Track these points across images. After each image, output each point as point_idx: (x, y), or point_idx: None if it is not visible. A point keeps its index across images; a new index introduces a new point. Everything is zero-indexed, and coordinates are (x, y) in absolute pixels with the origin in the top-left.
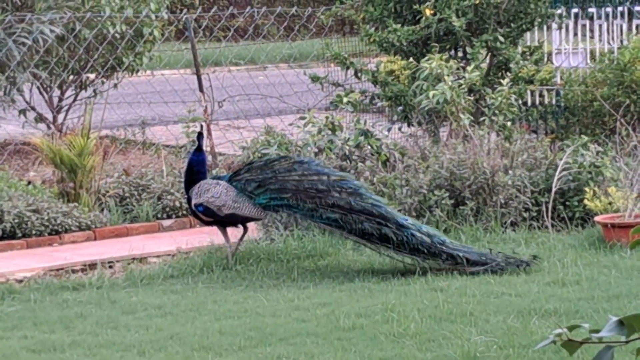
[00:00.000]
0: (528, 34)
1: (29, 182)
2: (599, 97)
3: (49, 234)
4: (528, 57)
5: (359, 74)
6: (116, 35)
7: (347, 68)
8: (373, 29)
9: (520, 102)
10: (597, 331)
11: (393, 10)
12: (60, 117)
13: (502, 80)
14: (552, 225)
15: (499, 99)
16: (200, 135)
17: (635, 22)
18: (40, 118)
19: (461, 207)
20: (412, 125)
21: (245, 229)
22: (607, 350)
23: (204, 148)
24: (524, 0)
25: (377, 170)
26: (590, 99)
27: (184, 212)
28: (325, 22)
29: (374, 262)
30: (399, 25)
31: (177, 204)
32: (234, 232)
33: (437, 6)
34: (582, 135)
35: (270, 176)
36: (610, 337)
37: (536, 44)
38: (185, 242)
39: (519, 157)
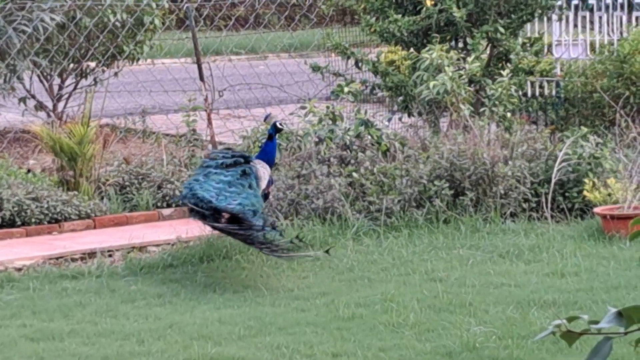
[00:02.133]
0: (528, 25)
1: (29, 170)
2: (599, 89)
3: (49, 222)
4: (528, 48)
5: (360, 64)
6: (117, 23)
7: (348, 58)
8: (374, 19)
9: (520, 93)
10: (596, 322)
11: (394, 0)
12: (60, 105)
13: (502, 71)
14: (552, 216)
15: (499, 89)
16: (273, 125)
17: (635, 14)
18: (40, 106)
19: (461, 198)
20: (413, 116)
21: None
22: (605, 342)
23: (274, 137)
24: None
25: (378, 160)
26: (590, 91)
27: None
28: (326, 11)
29: (374, 252)
30: (400, 16)
31: (178, 192)
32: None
33: None
34: (582, 127)
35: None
36: (609, 328)
37: (536, 35)
38: (185, 231)
39: (519, 148)
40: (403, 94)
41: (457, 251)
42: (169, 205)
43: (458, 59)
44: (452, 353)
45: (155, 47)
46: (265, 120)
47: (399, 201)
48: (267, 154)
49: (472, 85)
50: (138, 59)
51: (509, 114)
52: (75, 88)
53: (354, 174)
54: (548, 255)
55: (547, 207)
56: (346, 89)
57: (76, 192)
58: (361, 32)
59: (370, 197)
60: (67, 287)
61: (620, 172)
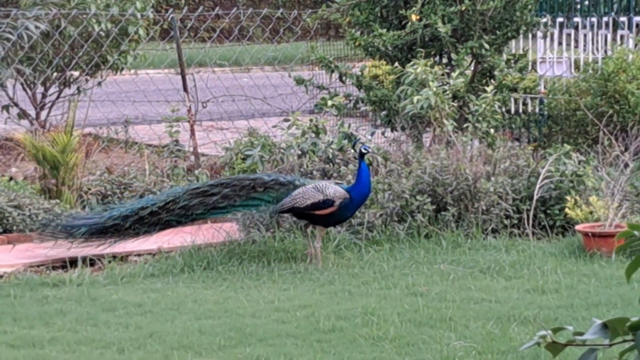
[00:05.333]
0: (513, 42)
1: (11, 178)
2: (583, 107)
3: (30, 230)
4: (512, 65)
5: (344, 78)
6: (101, 33)
7: (332, 71)
8: (358, 33)
9: (503, 109)
10: (581, 334)
11: (379, 14)
12: (43, 114)
13: (486, 87)
14: (533, 233)
15: (483, 105)
16: (359, 152)
17: (619, 32)
18: (23, 114)
19: (443, 213)
20: (396, 130)
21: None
22: (590, 353)
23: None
24: (510, 8)
25: None
26: (574, 108)
27: None
28: (310, 25)
29: (355, 265)
30: (385, 30)
31: None
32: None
33: (423, 12)
34: (565, 144)
35: None
36: (594, 339)
37: (521, 52)
38: (167, 241)
39: (502, 165)
40: (386, 108)
41: (438, 266)
42: None
43: (442, 74)
44: None
45: (139, 58)
46: (354, 147)
47: (381, 215)
48: (360, 179)
49: (456, 101)
50: (122, 69)
51: (492, 130)
52: (58, 97)
53: None
54: (529, 272)
55: (528, 223)
56: (330, 102)
57: (58, 201)
58: (345, 46)
59: None
60: (48, 294)
61: (602, 190)
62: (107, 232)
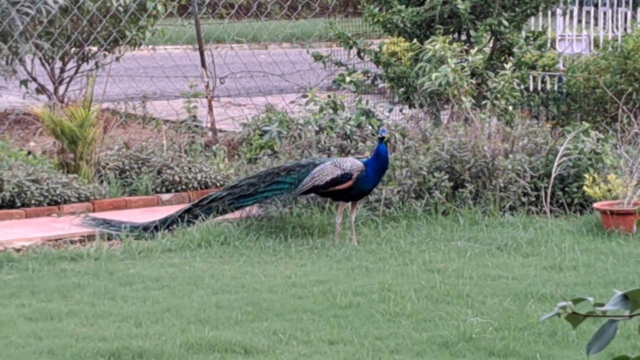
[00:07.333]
0: (532, 19)
1: (29, 152)
2: (602, 85)
3: (48, 204)
4: (531, 43)
5: (362, 54)
6: (120, 8)
7: (350, 48)
8: (377, 9)
9: (522, 87)
10: (601, 305)
11: None
12: (62, 89)
13: (505, 65)
14: (551, 211)
15: (502, 83)
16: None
17: None
18: (41, 89)
19: (460, 190)
20: (414, 107)
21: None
22: (610, 324)
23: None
24: None
25: None
26: (593, 86)
27: (183, 187)
28: (329, 1)
29: (372, 242)
30: (404, 7)
31: (177, 178)
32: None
33: None
34: (583, 122)
35: None
36: (614, 311)
37: (540, 29)
38: None
39: (520, 142)
40: (405, 85)
41: (456, 243)
42: (168, 191)
43: (461, 51)
44: (448, 343)
45: (158, 33)
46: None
47: (398, 192)
48: (377, 152)
49: (475, 78)
50: (140, 45)
51: (510, 108)
52: (76, 72)
53: None
54: (546, 249)
55: (546, 201)
56: (348, 79)
57: (76, 175)
58: (364, 23)
59: None
60: (65, 268)
61: (620, 168)
62: (149, 228)
